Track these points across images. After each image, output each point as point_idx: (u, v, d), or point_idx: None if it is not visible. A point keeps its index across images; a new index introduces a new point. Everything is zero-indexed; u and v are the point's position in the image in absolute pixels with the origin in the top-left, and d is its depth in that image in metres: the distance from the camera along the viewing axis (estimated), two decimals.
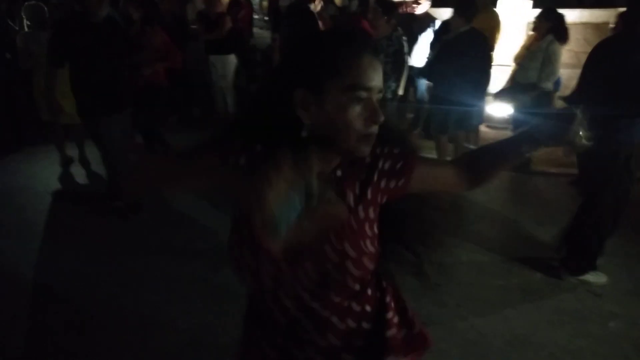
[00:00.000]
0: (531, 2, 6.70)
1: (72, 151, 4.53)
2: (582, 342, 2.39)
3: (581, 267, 2.84)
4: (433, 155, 4.45)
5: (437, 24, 5.02)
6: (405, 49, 4.50)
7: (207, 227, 3.39)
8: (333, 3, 8.26)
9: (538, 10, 6.42)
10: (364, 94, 0.90)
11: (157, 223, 3.52)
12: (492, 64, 4.64)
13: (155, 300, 2.67)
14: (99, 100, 3.27)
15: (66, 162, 4.55)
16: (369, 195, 1.00)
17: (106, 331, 2.44)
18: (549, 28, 4.12)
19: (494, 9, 4.83)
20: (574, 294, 2.75)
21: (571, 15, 6.09)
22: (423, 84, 5.29)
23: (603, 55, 2.68)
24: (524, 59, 4.37)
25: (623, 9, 2.90)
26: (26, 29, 4.64)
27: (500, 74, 5.70)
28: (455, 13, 3.92)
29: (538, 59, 4.09)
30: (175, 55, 4.44)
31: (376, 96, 0.92)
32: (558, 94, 4.49)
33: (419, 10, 5.39)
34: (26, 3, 4.48)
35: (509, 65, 6.48)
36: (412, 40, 5.02)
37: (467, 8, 3.86)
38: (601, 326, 2.51)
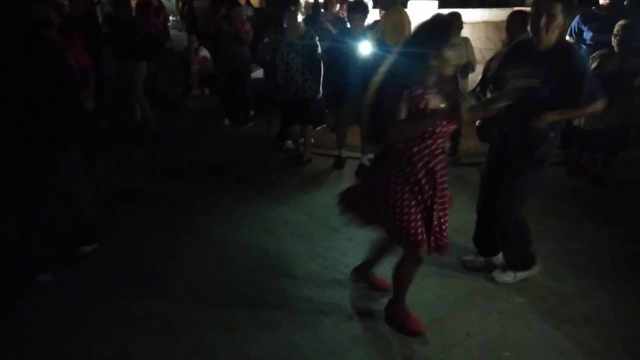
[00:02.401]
0: (437, 3, 7.10)
1: None
2: (492, 318, 2.59)
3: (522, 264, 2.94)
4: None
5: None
6: (319, 49, 4.60)
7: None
8: (250, 5, 8.23)
9: (445, 11, 6.80)
10: None
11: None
12: None
13: None
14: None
15: None
16: None
17: None
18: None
19: (403, 8, 5.06)
20: (486, 276, 2.97)
21: (474, 15, 6.55)
22: None
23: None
24: None
25: (517, 9, 3.21)
26: None
27: None
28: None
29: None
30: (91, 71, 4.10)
31: None
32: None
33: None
34: None
35: None
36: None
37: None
38: (509, 302, 2.73)
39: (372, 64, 4.37)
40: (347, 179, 4.56)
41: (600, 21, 4.67)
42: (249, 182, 4.57)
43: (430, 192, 2.25)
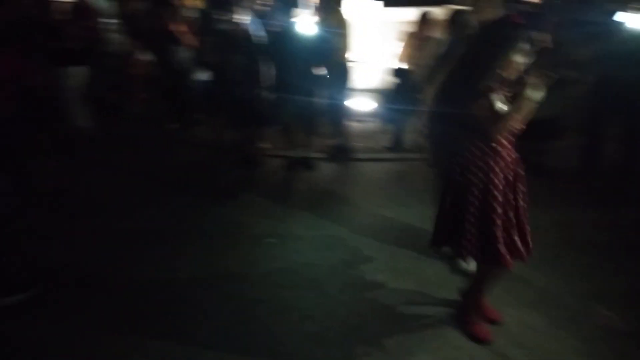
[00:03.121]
0: (382, 2, 7.22)
1: None
2: (441, 309, 2.66)
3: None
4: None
5: None
6: (257, 49, 4.58)
7: None
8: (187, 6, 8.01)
9: (391, 9, 6.94)
10: None
11: None
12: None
13: None
14: None
15: None
16: None
17: None
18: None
19: (339, 9, 5.10)
20: (434, 269, 3.05)
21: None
22: None
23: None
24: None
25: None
26: None
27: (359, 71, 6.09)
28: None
29: None
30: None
31: None
32: None
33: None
34: None
35: (366, 63, 6.94)
36: None
37: None
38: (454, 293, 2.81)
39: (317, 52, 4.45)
40: (300, 179, 4.56)
41: (532, 18, 4.92)
42: (200, 187, 4.46)
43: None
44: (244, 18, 4.64)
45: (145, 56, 7.25)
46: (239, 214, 3.85)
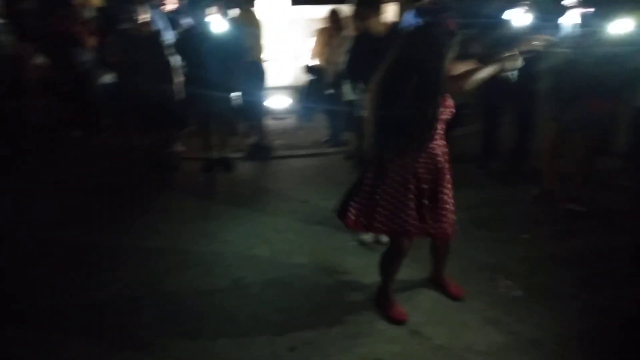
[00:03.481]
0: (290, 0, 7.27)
1: None
2: (364, 295, 2.77)
3: None
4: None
5: None
6: (168, 49, 4.44)
7: None
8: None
9: (300, 7, 6.99)
10: None
11: None
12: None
13: None
14: None
15: None
16: None
17: None
18: None
19: (250, 7, 5.09)
20: (356, 258, 3.16)
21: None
22: None
23: None
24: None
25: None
26: None
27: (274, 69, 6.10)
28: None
29: None
30: None
31: None
32: None
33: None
34: None
35: (280, 61, 6.96)
36: None
37: None
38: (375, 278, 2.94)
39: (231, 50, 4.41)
40: (220, 180, 4.48)
41: (430, 14, 5.23)
42: (114, 196, 4.22)
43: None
44: (148, 16, 4.46)
45: (40, 59, 6.68)
46: (157, 222, 3.71)
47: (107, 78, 6.12)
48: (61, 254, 3.25)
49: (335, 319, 2.57)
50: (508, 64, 2.30)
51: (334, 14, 5.20)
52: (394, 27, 3.75)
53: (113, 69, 5.60)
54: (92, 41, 5.59)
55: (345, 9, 5.21)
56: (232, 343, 2.41)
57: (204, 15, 4.29)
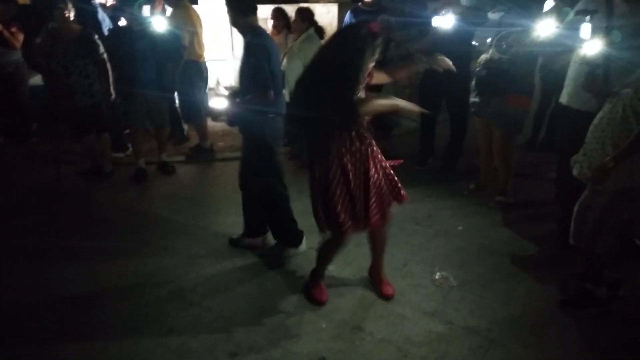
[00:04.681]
0: None
1: None
2: (301, 297, 2.79)
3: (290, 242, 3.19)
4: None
5: None
6: (101, 48, 4.25)
7: None
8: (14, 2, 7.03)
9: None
10: None
11: None
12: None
13: None
14: None
15: None
16: None
17: None
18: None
19: (187, 4, 4.96)
20: (298, 258, 3.18)
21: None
22: None
23: None
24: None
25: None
26: None
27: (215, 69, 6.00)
28: None
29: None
30: None
31: None
32: None
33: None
34: None
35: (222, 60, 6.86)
36: None
37: None
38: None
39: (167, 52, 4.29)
40: (160, 185, 4.34)
41: (367, 15, 5.34)
42: (45, 207, 3.98)
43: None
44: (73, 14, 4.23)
45: None
46: (93, 231, 3.55)
47: (35, 80, 5.76)
48: None
49: (277, 321, 2.57)
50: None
51: (277, 12, 5.15)
52: None
53: (41, 71, 5.28)
54: (19, 41, 5.23)
55: (290, 9, 5.21)
56: (173, 353, 2.35)
57: (139, 12, 4.14)
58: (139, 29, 4.18)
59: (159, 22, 4.22)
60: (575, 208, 2.56)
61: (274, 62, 2.90)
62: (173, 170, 4.72)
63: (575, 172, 2.53)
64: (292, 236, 3.16)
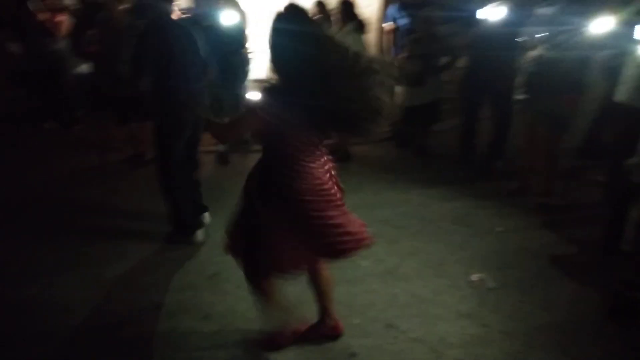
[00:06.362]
0: None
1: None
2: (341, 288, 2.77)
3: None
4: None
5: None
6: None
7: None
8: None
9: None
10: None
11: None
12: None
13: None
14: None
15: None
16: None
17: None
18: None
19: None
20: None
21: None
22: None
23: None
24: None
25: None
26: None
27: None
28: None
29: None
30: None
31: None
32: None
33: None
34: None
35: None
36: None
37: None
38: (354, 269, 2.94)
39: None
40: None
41: (412, 8, 5.23)
42: (87, 191, 4.13)
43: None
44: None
45: (13, 47, 6.48)
46: (145, 220, 3.64)
47: (83, 68, 5.97)
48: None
49: (310, 314, 2.57)
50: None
51: (320, 5, 5.13)
52: None
53: (89, 59, 5.47)
54: (67, 30, 5.43)
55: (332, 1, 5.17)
56: (207, 340, 2.39)
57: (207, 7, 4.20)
58: (207, 24, 4.24)
59: (227, 17, 4.27)
60: (636, 213, 2.42)
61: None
62: (227, 160, 4.82)
63: (635, 178, 2.38)
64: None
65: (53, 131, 5.65)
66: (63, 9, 5.71)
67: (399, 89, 4.82)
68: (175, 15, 3.25)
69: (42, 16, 5.31)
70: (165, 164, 3.12)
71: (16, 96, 6.60)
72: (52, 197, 4.03)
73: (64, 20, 5.42)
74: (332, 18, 4.76)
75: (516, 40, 4.18)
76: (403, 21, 5.35)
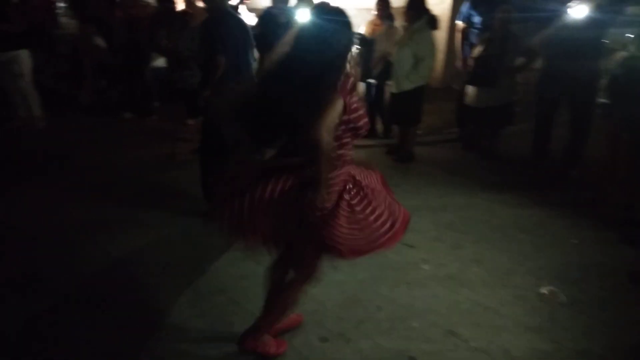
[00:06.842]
0: None
1: None
2: (401, 290, 2.73)
3: None
4: None
5: None
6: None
7: None
8: None
9: None
10: None
11: None
12: None
13: None
14: None
15: None
16: None
17: None
18: None
19: None
20: (394, 250, 3.11)
21: None
22: None
23: None
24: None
25: None
26: None
27: None
28: None
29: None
30: None
31: None
32: None
33: None
34: None
35: None
36: None
37: None
38: (416, 272, 2.90)
39: None
40: None
41: (486, 6, 5.03)
42: (161, 176, 4.36)
43: None
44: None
45: (98, 41, 6.98)
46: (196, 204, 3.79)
47: (159, 62, 6.31)
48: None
49: (368, 313, 2.55)
50: None
51: (382, 4, 5.09)
52: None
53: (165, 54, 5.76)
54: (146, 25, 5.76)
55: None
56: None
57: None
58: (285, 20, 4.35)
59: (303, 14, 4.35)
60: None
61: None
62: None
63: None
64: None
65: (131, 121, 6.01)
66: (144, 6, 6.07)
67: (469, 89, 4.66)
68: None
69: (125, 12, 5.67)
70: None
71: (99, 88, 7.12)
72: (132, 179, 4.28)
73: (144, 16, 5.74)
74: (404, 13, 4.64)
75: (601, 41, 3.90)
76: (477, 19, 5.17)
